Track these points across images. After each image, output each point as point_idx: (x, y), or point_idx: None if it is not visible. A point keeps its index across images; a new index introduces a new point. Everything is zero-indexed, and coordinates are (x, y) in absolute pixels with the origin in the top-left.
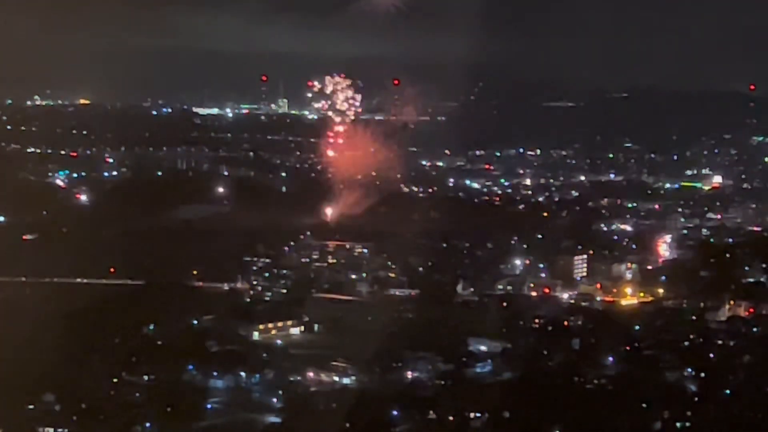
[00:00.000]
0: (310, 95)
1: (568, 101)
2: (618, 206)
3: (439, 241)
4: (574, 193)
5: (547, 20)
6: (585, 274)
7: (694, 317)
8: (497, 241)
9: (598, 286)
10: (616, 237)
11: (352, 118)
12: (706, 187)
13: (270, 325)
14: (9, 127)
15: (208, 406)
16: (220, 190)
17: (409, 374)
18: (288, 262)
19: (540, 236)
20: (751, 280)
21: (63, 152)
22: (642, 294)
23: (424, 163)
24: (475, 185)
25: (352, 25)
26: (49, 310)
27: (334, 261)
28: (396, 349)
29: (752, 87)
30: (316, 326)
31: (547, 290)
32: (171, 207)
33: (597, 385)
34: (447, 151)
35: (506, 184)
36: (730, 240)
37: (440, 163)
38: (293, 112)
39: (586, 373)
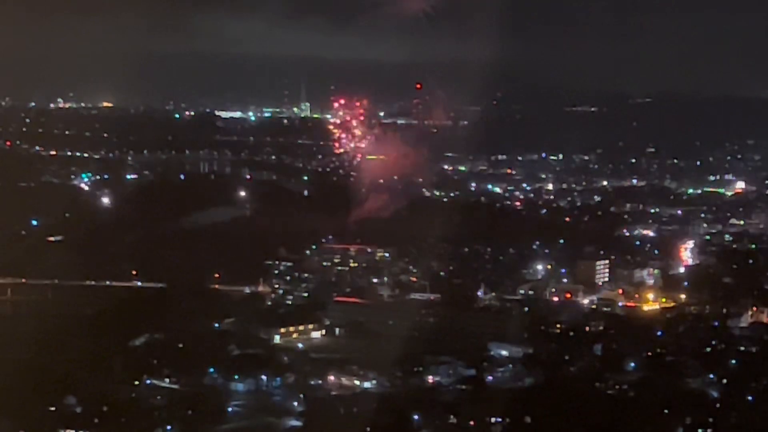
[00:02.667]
0: (332, 99)
1: (590, 106)
2: (640, 211)
3: (460, 246)
4: (597, 198)
5: (570, 26)
6: (607, 279)
7: (716, 323)
8: (519, 246)
9: (620, 291)
10: (638, 242)
11: (374, 121)
12: (729, 193)
13: (291, 329)
14: (32, 129)
15: (229, 409)
16: (242, 193)
17: (430, 378)
18: (309, 266)
19: (562, 241)
20: None
21: (86, 155)
22: (664, 300)
23: (446, 167)
24: (497, 190)
25: (375, 30)
26: (71, 313)
27: (356, 265)
28: (417, 354)
29: None
30: (337, 330)
31: (568, 295)
32: (193, 210)
33: (618, 391)
34: (469, 156)
35: (528, 188)
36: (753, 246)
37: (462, 168)
38: (315, 115)
39: (608, 379)
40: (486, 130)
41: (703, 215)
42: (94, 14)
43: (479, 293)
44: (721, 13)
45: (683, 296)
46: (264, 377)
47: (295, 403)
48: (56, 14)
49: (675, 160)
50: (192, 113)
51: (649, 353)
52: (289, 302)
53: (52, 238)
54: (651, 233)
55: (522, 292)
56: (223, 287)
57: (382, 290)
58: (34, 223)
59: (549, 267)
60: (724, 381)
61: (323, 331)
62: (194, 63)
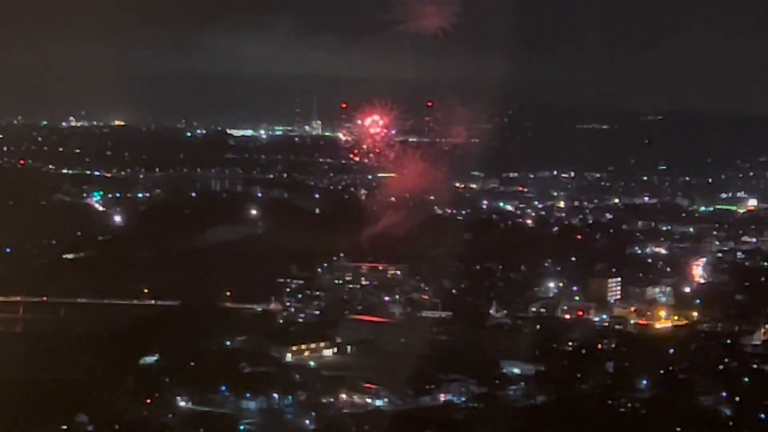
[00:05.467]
0: (343, 117)
1: (602, 124)
2: (652, 229)
3: (472, 264)
4: (608, 216)
5: (581, 43)
6: (619, 297)
7: (728, 341)
8: (530, 264)
9: (632, 309)
10: (650, 260)
11: (386, 139)
12: (741, 210)
13: (303, 347)
14: (45, 148)
15: (241, 427)
16: (254, 211)
17: (442, 396)
18: (321, 284)
19: (573, 259)
20: None
21: (98, 173)
22: (676, 317)
23: (457, 185)
24: (509, 207)
25: (386, 48)
26: (83, 331)
27: (367, 283)
28: (429, 372)
29: None
30: (348, 348)
31: (580, 313)
32: (205, 228)
33: (631, 409)
34: (481, 173)
35: (540, 206)
36: (766, 264)
37: (474, 185)
38: (327, 133)
39: (620, 397)
40: (497, 148)
41: (715, 233)
42: (107, 33)
43: (491, 311)
44: (733, 31)
45: (695, 314)
46: (276, 395)
47: (307, 421)
48: (68, 33)
49: (687, 178)
50: (204, 131)
51: (662, 371)
52: (301, 320)
53: (68, 256)
54: (663, 251)
55: (534, 309)
56: (234, 305)
57: (394, 308)
58: (46, 241)
59: (561, 285)
60: (737, 399)
61: (335, 349)
62: (206, 82)
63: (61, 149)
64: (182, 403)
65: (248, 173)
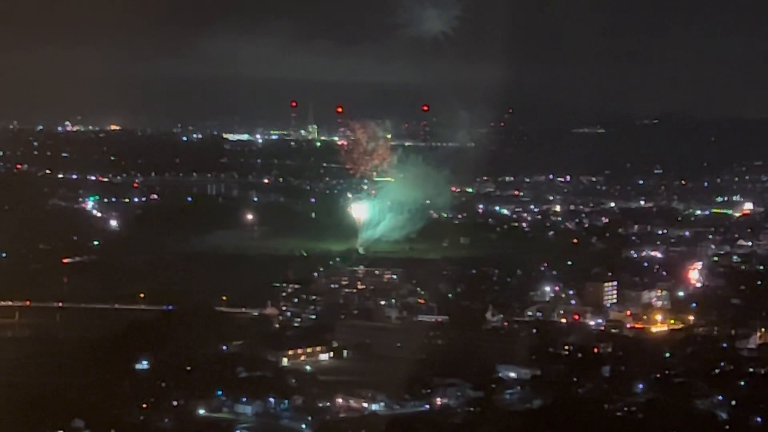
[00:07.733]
0: (339, 121)
1: (597, 128)
2: (648, 233)
3: (468, 268)
4: (604, 220)
5: (577, 47)
6: (615, 301)
7: (724, 345)
8: (527, 268)
9: (628, 313)
10: (646, 264)
11: (382, 144)
12: (737, 214)
13: (299, 351)
14: (41, 153)
15: (237, 431)
16: (250, 216)
17: (439, 401)
18: (317, 288)
19: (570, 263)
20: None
21: (93, 178)
22: (672, 321)
23: (453, 189)
24: (505, 211)
25: (382, 53)
26: (79, 336)
27: (364, 287)
28: (425, 376)
29: None
30: (345, 352)
31: (576, 317)
32: (201, 233)
33: (627, 413)
34: (477, 177)
35: (536, 210)
36: (761, 267)
37: (470, 189)
38: (323, 138)
39: (616, 401)
40: (493, 152)
41: (711, 236)
42: (103, 38)
43: (487, 315)
44: (727, 35)
45: (691, 318)
46: (272, 400)
47: (303, 426)
48: (64, 38)
49: (682, 182)
50: (199, 136)
51: (658, 375)
52: (297, 324)
53: (64, 261)
54: (659, 255)
55: (530, 314)
56: (230, 310)
57: (390, 312)
58: (42, 246)
59: (557, 289)
60: (733, 402)
61: (331, 354)
62: (202, 86)
63: (57, 154)
64: (178, 408)
65: (244, 178)
